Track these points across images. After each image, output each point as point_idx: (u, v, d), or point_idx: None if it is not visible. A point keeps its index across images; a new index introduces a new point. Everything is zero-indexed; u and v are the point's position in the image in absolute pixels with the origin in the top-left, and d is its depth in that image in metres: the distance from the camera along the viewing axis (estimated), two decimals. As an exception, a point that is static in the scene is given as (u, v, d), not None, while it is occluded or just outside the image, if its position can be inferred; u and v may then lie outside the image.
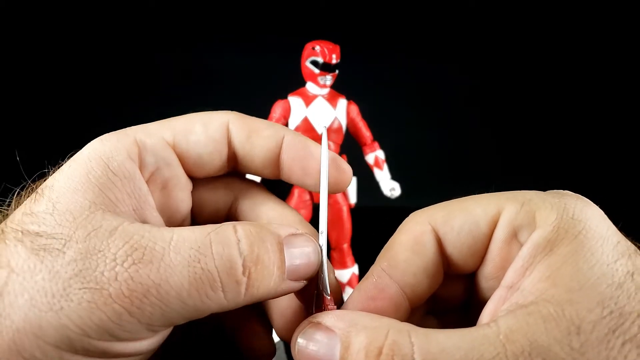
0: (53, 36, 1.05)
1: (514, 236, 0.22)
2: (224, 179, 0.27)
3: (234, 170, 0.26)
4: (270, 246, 0.21)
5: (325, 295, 0.23)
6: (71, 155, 0.22)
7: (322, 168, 0.25)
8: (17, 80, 1.04)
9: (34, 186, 0.22)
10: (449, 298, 0.25)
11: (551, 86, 1.14)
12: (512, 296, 0.20)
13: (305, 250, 0.22)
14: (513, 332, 0.18)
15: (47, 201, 0.20)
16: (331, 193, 0.26)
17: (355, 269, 0.78)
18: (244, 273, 0.20)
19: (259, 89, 0.80)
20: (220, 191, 0.27)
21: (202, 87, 1.09)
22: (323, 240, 0.24)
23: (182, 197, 0.25)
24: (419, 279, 0.23)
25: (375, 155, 0.77)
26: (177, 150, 0.24)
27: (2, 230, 0.19)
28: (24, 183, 0.23)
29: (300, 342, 0.21)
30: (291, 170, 0.25)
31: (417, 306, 0.24)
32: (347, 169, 0.27)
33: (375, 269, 0.24)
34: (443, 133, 1.16)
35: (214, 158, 0.24)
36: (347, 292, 0.77)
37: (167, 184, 0.24)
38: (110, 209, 0.20)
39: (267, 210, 0.26)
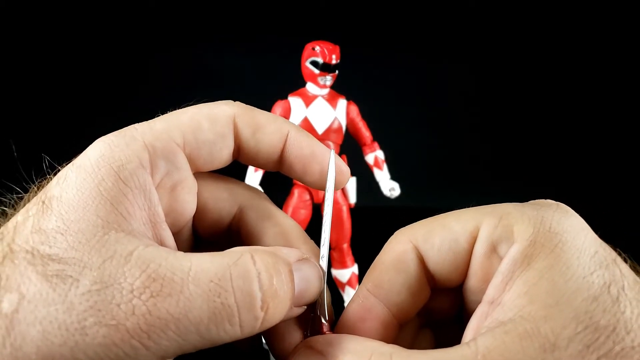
0: (54, 34, 1.05)
1: (494, 250, 0.22)
2: (229, 185, 0.27)
3: (235, 159, 0.27)
4: (285, 277, 0.21)
5: (323, 321, 0.24)
6: (71, 156, 0.22)
7: (328, 193, 0.26)
8: (16, 76, 1.04)
9: (36, 188, 0.22)
10: (442, 310, 0.26)
11: (552, 87, 1.14)
12: (494, 312, 0.20)
13: (310, 278, 0.22)
14: (490, 352, 0.18)
15: (57, 217, 0.19)
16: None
17: (355, 269, 0.78)
18: (262, 308, 0.20)
19: (259, 89, 0.80)
20: (224, 199, 0.27)
21: (202, 87, 1.09)
22: (324, 264, 0.24)
23: (189, 199, 0.25)
24: (403, 297, 0.24)
25: (375, 156, 0.77)
26: (186, 151, 0.24)
27: (11, 249, 0.18)
28: (29, 185, 0.22)
29: None
30: (292, 166, 0.26)
31: (405, 322, 0.24)
32: (345, 170, 0.28)
33: (361, 291, 0.24)
34: (443, 133, 1.16)
35: (223, 154, 0.25)
36: (347, 292, 0.77)
37: (176, 187, 0.24)
38: (123, 228, 0.20)
39: (272, 226, 0.26)
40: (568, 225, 0.21)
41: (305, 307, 0.23)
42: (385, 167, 0.77)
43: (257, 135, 0.25)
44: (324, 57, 0.69)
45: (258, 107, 0.26)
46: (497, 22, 1.13)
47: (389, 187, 0.76)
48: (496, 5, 1.12)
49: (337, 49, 0.70)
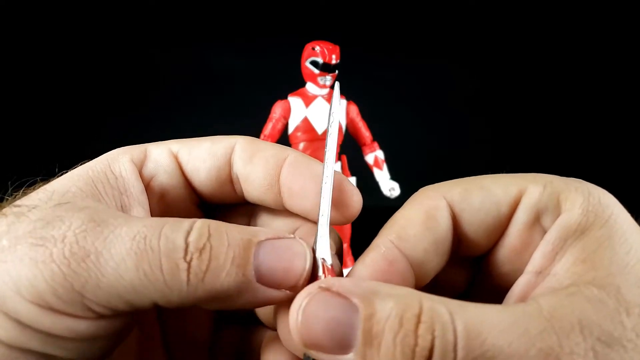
0: (53, 35, 1.05)
1: (537, 220, 0.21)
2: (244, 206, 0.25)
3: (244, 199, 0.25)
4: (229, 240, 0.19)
5: (325, 264, 0.21)
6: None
7: (333, 124, 0.23)
8: (16, 75, 1.04)
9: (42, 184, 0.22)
10: (451, 284, 0.24)
11: (552, 87, 1.14)
12: (544, 282, 0.19)
13: (284, 253, 0.20)
14: (557, 310, 0.17)
15: (44, 189, 0.20)
16: (336, 224, 0.23)
17: (355, 269, 0.78)
18: (184, 258, 0.18)
19: (259, 89, 0.80)
20: (235, 215, 0.25)
21: (202, 87, 1.09)
22: (324, 222, 0.21)
23: (185, 208, 0.24)
24: (429, 256, 0.21)
25: (374, 155, 0.77)
26: (178, 161, 0.24)
27: (3, 213, 0.20)
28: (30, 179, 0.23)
29: (305, 309, 0.18)
30: (291, 192, 0.23)
31: (420, 287, 0.22)
32: (356, 194, 0.24)
33: (382, 241, 0.21)
34: (443, 133, 1.16)
35: (211, 175, 0.23)
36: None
37: (167, 193, 0.24)
38: (95, 198, 0.21)
39: (275, 223, 0.24)
40: (614, 201, 0.20)
41: (289, 292, 0.20)
42: (385, 167, 0.77)
43: (255, 159, 0.23)
44: (324, 57, 0.69)
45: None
46: (498, 22, 1.13)
47: (389, 187, 0.76)
48: (496, 5, 1.12)
49: (337, 49, 0.70)
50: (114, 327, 0.19)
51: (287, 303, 0.20)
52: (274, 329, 0.24)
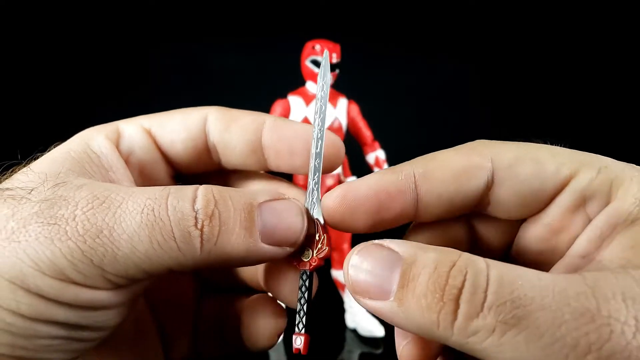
0: (52, 33, 1.04)
1: (582, 205, 0.20)
2: (218, 172, 0.26)
3: (220, 166, 0.26)
4: (234, 205, 0.20)
5: (319, 223, 0.22)
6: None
7: (319, 102, 0.23)
8: (16, 75, 1.03)
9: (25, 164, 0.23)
10: (487, 241, 0.24)
11: (553, 87, 1.14)
12: (589, 265, 0.19)
13: (284, 214, 0.21)
14: (599, 281, 0.16)
15: (26, 169, 0.21)
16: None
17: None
18: (196, 225, 0.19)
19: (259, 88, 0.80)
20: (211, 182, 0.27)
21: (201, 87, 1.08)
22: (314, 190, 0.23)
23: (162, 181, 0.25)
24: (442, 204, 0.22)
25: (375, 155, 0.76)
26: (152, 136, 0.24)
27: None
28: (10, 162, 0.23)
29: (356, 260, 0.19)
30: (278, 154, 0.24)
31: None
32: (339, 145, 0.25)
33: (406, 169, 0.22)
34: (443, 133, 1.15)
35: (187, 146, 0.24)
36: (348, 293, 0.77)
37: (145, 168, 0.24)
38: (82, 175, 0.21)
39: (257, 184, 0.25)
40: None
41: (290, 248, 0.21)
42: (386, 166, 0.77)
43: (232, 127, 0.24)
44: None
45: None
46: (498, 21, 1.13)
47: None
48: (497, 5, 1.11)
49: (338, 47, 0.69)
50: (131, 294, 0.21)
51: (289, 268, 0.23)
52: (259, 290, 0.26)
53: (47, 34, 1.04)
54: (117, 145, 0.24)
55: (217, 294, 0.28)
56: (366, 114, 0.76)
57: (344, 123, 0.74)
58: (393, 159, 0.78)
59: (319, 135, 0.23)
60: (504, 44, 1.13)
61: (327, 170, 0.24)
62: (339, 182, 0.75)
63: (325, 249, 0.23)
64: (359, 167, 0.77)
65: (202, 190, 0.20)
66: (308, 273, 0.23)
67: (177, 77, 1.10)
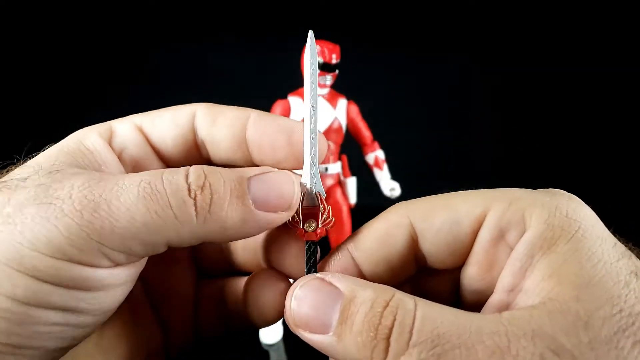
0: (52, 33, 1.05)
1: (501, 237, 0.21)
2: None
3: (209, 161, 0.26)
4: (224, 177, 0.21)
5: (320, 196, 0.24)
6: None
7: (312, 64, 0.25)
8: (18, 74, 1.04)
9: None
10: (437, 292, 0.25)
11: (554, 87, 1.14)
12: (516, 299, 0.20)
13: (274, 182, 0.22)
14: (515, 319, 0.18)
15: (24, 166, 0.21)
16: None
17: (355, 269, 0.78)
18: (189, 194, 0.20)
19: (259, 89, 0.80)
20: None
21: (201, 87, 1.08)
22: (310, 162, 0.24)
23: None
24: (381, 269, 0.23)
25: (375, 155, 0.76)
26: (144, 133, 0.25)
27: None
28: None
29: (299, 293, 0.21)
30: (260, 148, 0.24)
31: None
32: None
33: (341, 247, 0.24)
34: (443, 133, 1.16)
35: (177, 142, 0.25)
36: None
37: (137, 164, 0.25)
38: (77, 166, 0.22)
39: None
40: (584, 214, 0.20)
41: (285, 212, 0.22)
42: (385, 167, 0.77)
43: (217, 121, 0.24)
44: (324, 56, 0.68)
45: (258, 107, 0.26)
46: (499, 21, 1.13)
47: (390, 187, 0.76)
48: (497, 4, 1.11)
49: (337, 48, 0.69)
50: (128, 274, 0.21)
51: (293, 240, 0.24)
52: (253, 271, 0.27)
53: (47, 34, 1.05)
54: (110, 143, 0.24)
55: (216, 278, 0.29)
56: (366, 114, 0.76)
57: (343, 123, 0.74)
58: (393, 159, 0.78)
59: (312, 112, 0.24)
60: (504, 43, 1.13)
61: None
62: (339, 182, 0.75)
63: (332, 219, 0.24)
64: (359, 167, 0.78)
65: (194, 167, 0.21)
66: (315, 243, 0.24)
67: (177, 77, 1.10)
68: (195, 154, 0.25)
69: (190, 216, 0.20)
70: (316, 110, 0.24)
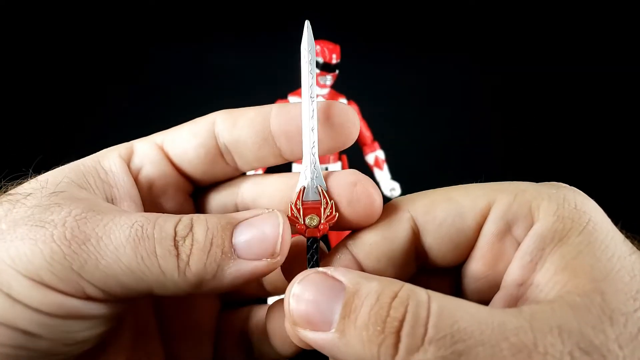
0: (51, 32, 1.04)
1: (508, 231, 0.20)
2: (229, 181, 0.26)
3: (236, 169, 0.25)
4: (210, 225, 0.20)
5: (322, 189, 0.23)
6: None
7: (311, 51, 0.24)
8: (19, 73, 1.03)
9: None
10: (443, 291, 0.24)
11: (554, 87, 1.14)
12: (527, 293, 0.19)
13: (258, 225, 0.21)
14: (537, 314, 0.16)
15: (33, 180, 0.21)
16: (333, 149, 0.24)
17: (355, 269, 0.77)
18: (173, 244, 0.19)
19: (259, 89, 0.80)
20: (224, 191, 0.26)
21: (202, 87, 1.08)
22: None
23: (176, 198, 0.25)
24: (383, 265, 0.22)
25: (375, 155, 0.76)
26: (164, 151, 0.24)
27: None
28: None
29: (298, 288, 0.19)
30: (288, 136, 0.23)
31: None
32: (351, 114, 0.24)
33: (340, 245, 0.23)
34: (443, 133, 1.15)
35: (199, 153, 0.24)
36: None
37: (155, 183, 0.24)
38: (85, 188, 0.22)
39: (266, 186, 0.25)
40: (592, 206, 0.19)
41: (270, 259, 0.21)
42: (385, 167, 0.77)
43: (239, 123, 0.23)
44: (324, 56, 0.68)
45: (257, 106, 0.25)
46: (499, 21, 1.13)
47: (390, 187, 0.76)
48: (497, 4, 1.11)
49: (338, 48, 0.69)
50: (105, 310, 0.20)
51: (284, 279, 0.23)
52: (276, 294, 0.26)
53: (47, 34, 1.05)
54: (129, 163, 0.24)
55: (241, 306, 0.28)
56: (366, 114, 0.76)
57: (343, 123, 0.74)
58: (393, 159, 0.78)
59: (311, 102, 0.23)
60: (504, 43, 1.13)
61: (342, 145, 0.24)
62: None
63: (335, 214, 0.23)
64: (359, 168, 0.77)
65: (186, 216, 0.21)
66: (317, 240, 0.23)
67: (177, 76, 1.10)
68: (221, 163, 0.24)
69: (172, 267, 0.19)
70: (315, 101, 0.23)
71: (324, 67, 0.69)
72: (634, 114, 1.11)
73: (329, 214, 0.23)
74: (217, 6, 1.08)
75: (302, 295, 0.19)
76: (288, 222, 0.22)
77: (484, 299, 0.22)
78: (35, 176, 0.22)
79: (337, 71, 0.70)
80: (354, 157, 0.77)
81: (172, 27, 1.08)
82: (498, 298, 0.20)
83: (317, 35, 0.76)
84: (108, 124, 0.97)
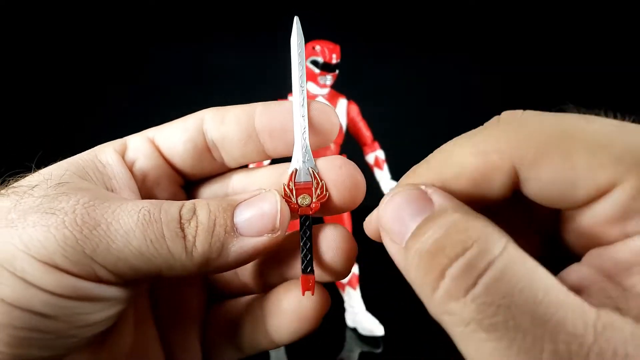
0: (55, 34, 1.05)
1: (621, 220, 0.16)
2: (220, 176, 0.27)
3: (223, 165, 0.26)
4: (212, 207, 0.22)
5: (314, 171, 0.24)
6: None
7: (300, 44, 0.25)
8: (19, 73, 1.03)
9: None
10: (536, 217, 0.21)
11: (553, 87, 1.14)
12: (615, 291, 0.16)
13: (257, 204, 0.22)
14: (607, 329, 0.14)
15: (36, 174, 0.22)
16: (317, 146, 0.25)
17: (355, 269, 0.78)
18: (179, 227, 0.21)
19: (259, 88, 0.80)
20: (215, 184, 0.27)
21: (201, 87, 1.08)
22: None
23: (169, 189, 0.26)
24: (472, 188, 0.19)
25: (375, 155, 0.76)
26: (155, 145, 0.25)
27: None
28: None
29: (393, 198, 0.19)
30: (271, 134, 0.24)
31: None
32: (332, 115, 0.25)
33: (425, 183, 0.20)
34: (443, 133, 1.15)
35: (188, 147, 0.25)
36: (348, 292, 0.77)
37: (148, 175, 0.25)
38: (86, 179, 0.23)
39: (256, 177, 0.26)
40: None
41: (272, 234, 0.22)
42: (385, 167, 0.77)
43: (226, 119, 0.25)
44: (324, 56, 0.68)
45: (245, 104, 0.26)
46: (499, 21, 1.13)
47: (390, 187, 0.76)
48: (497, 4, 1.11)
49: (338, 48, 0.69)
50: (117, 292, 0.21)
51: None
52: (255, 292, 0.27)
53: (47, 34, 1.05)
54: (124, 156, 0.25)
55: (228, 299, 0.29)
56: (366, 114, 0.76)
57: (343, 123, 0.74)
58: (393, 159, 0.78)
59: (300, 90, 0.25)
60: (504, 43, 1.13)
61: (322, 143, 0.25)
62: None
63: (326, 194, 0.24)
64: (359, 167, 0.78)
65: (189, 201, 0.22)
66: (309, 217, 0.24)
67: (177, 76, 1.10)
68: (208, 158, 0.26)
69: (180, 248, 0.20)
70: (304, 90, 0.25)
71: (324, 67, 0.69)
72: (634, 114, 1.11)
73: (319, 193, 0.24)
74: (217, 6, 1.08)
75: (390, 205, 0.19)
76: (284, 199, 0.23)
77: (577, 247, 0.19)
78: (36, 171, 0.23)
79: (337, 71, 0.70)
80: (354, 157, 0.77)
81: (172, 27, 1.08)
82: (584, 275, 0.17)
83: (318, 35, 0.76)
84: (108, 123, 0.97)
